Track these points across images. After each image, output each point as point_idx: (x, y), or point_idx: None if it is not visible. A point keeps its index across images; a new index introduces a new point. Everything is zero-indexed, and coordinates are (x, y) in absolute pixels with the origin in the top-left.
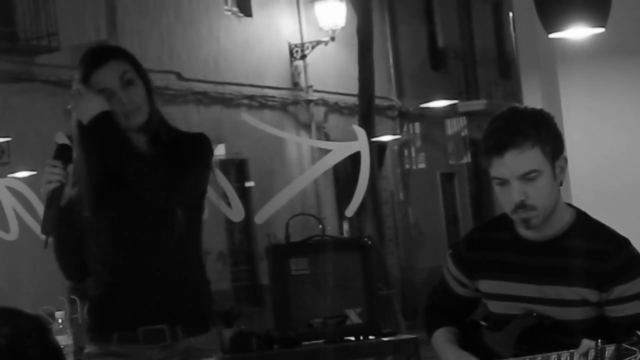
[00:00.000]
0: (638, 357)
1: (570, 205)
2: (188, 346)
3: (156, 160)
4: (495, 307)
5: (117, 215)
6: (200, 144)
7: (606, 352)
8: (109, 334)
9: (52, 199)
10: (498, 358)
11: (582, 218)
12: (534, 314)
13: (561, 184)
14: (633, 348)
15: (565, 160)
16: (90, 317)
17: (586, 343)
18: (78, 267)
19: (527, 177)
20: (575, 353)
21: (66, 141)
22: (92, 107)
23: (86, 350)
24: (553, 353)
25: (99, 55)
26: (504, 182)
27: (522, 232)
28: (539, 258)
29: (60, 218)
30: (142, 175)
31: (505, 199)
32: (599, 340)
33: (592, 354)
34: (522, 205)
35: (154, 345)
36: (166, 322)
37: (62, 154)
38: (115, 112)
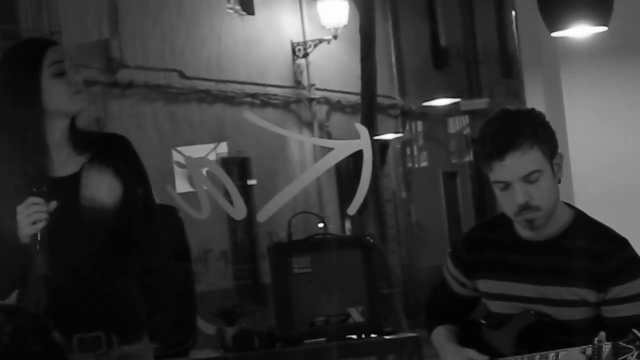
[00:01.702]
0: (635, 355)
1: (568, 204)
2: (122, 354)
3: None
4: (494, 306)
5: (54, 223)
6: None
7: (603, 350)
8: None
9: (43, 241)
10: (498, 356)
11: (580, 218)
12: (532, 312)
13: (559, 182)
14: (630, 346)
15: (561, 157)
16: None
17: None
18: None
19: (529, 178)
20: (571, 350)
21: None
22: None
23: None
24: (551, 352)
25: (45, 41)
26: (506, 186)
27: (521, 232)
28: (538, 258)
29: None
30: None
31: (508, 202)
32: (596, 339)
33: (589, 351)
34: (526, 207)
35: (89, 354)
36: (102, 329)
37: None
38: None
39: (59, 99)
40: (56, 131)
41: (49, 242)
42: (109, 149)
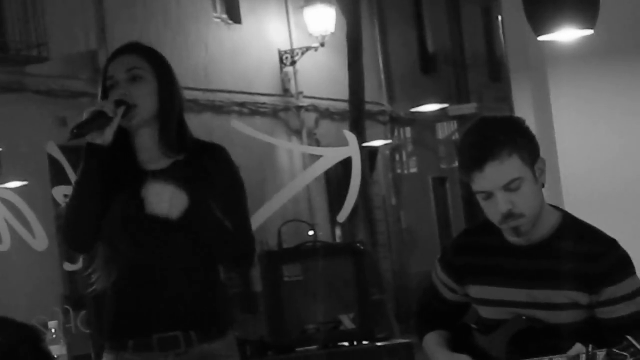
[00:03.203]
0: None
1: (555, 207)
2: (203, 352)
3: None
4: (485, 312)
5: (136, 214)
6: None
7: (597, 357)
8: (125, 341)
9: (95, 119)
10: None
11: (568, 220)
12: (524, 317)
13: (543, 186)
14: (624, 353)
15: (544, 162)
16: (105, 324)
17: (577, 347)
18: (92, 231)
19: (510, 187)
20: (565, 357)
21: (57, 151)
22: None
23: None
24: (545, 357)
25: (116, 51)
26: (488, 195)
27: (510, 237)
28: (527, 262)
29: (98, 156)
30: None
31: (492, 211)
32: (590, 346)
33: (583, 357)
34: (509, 215)
35: (168, 353)
36: (179, 328)
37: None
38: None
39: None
40: (140, 134)
41: (129, 232)
42: (205, 155)
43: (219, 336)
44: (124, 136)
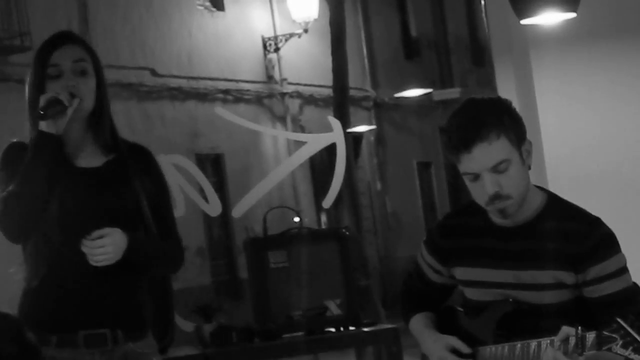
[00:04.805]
0: (619, 344)
1: (540, 188)
2: (126, 351)
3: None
4: (471, 293)
5: (70, 209)
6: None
7: (587, 340)
8: (48, 336)
9: (49, 108)
10: (476, 344)
11: (553, 200)
12: (511, 300)
13: (529, 168)
14: (614, 335)
15: (530, 143)
16: (26, 315)
17: (565, 330)
18: (33, 220)
19: (497, 168)
20: (555, 340)
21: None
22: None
23: None
24: (533, 340)
25: (60, 38)
26: (475, 177)
27: (495, 218)
28: (513, 243)
29: (51, 145)
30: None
31: (479, 193)
32: (579, 328)
33: (572, 340)
34: (497, 197)
35: (94, 350)
36: (108, 326)
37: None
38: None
39: None
40: (72, 129)
41: (62, 226)
42: (134, 157)
43: (142, 336)
44: None
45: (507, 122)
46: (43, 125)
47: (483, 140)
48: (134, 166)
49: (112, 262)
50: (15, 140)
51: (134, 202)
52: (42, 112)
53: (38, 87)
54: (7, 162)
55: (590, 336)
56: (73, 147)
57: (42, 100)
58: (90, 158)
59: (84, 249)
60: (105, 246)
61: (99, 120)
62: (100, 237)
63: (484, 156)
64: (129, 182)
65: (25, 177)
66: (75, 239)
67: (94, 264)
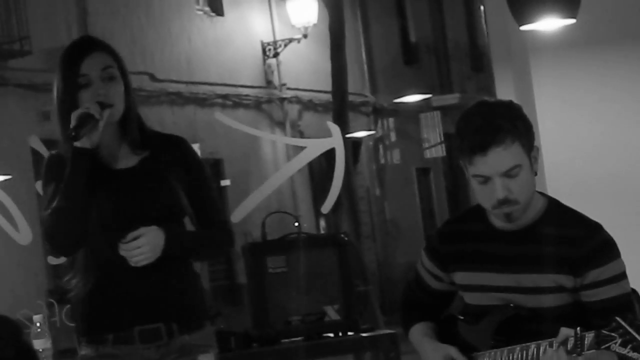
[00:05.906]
0: (618, 343)
1: (541, 193)
2: (183, 344)
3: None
4: (471, 298)
5: (115, 210)
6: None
7: (586, 339)
8: (104, 335)
9: (81, 128)
10: (476, 351)
11: (553, 205)
12: (511, 305)
13: (536, 174)
14: (612, 334)
15: (538, 150)
16: (82, 319)
17: (564, 331)
18: (81, 233)
19: (510, 173)
20: (554, 342)
21: (40, 145)
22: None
23: (82, 353)
24: (532, 343)
25: (86, 45)
26: (486, 180)
27: (496, 222)
28: (513, 247)
29: (86, 159)
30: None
31: (487, 195)
32: (578, 328)
33: (571, 341)
34: (505, 201)
35: (150, 345)
36: (161, 320)
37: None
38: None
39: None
40: (105, 135)
41: (107, 232)
42: (168, 149)
43: (198, 327)
44: None
45: (520, 127)
46: (78, 143)
47: (499, 145)
48: (168, 159)
49: (152, 260)
50: (53, 152)
51: (171, 196)
52: (74, 134)
53: (71, 102)
54: (49, 179)
55: (589, 335)
56: (108, 151)
57: (74, 119)
58: (125, 159)
59: (122, 252)
60: (142, 246)
61: (129, 121)
62: (136, 238)
63: (498, 160)
64: (164, 177)
65: (67, 194)
66: (119, 240)
67: (134, 264)
